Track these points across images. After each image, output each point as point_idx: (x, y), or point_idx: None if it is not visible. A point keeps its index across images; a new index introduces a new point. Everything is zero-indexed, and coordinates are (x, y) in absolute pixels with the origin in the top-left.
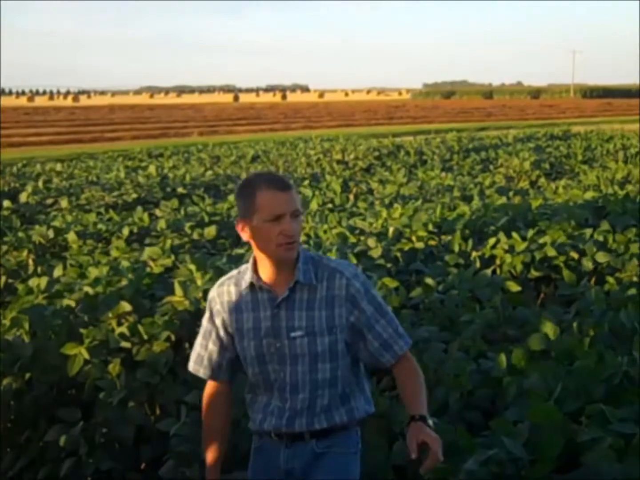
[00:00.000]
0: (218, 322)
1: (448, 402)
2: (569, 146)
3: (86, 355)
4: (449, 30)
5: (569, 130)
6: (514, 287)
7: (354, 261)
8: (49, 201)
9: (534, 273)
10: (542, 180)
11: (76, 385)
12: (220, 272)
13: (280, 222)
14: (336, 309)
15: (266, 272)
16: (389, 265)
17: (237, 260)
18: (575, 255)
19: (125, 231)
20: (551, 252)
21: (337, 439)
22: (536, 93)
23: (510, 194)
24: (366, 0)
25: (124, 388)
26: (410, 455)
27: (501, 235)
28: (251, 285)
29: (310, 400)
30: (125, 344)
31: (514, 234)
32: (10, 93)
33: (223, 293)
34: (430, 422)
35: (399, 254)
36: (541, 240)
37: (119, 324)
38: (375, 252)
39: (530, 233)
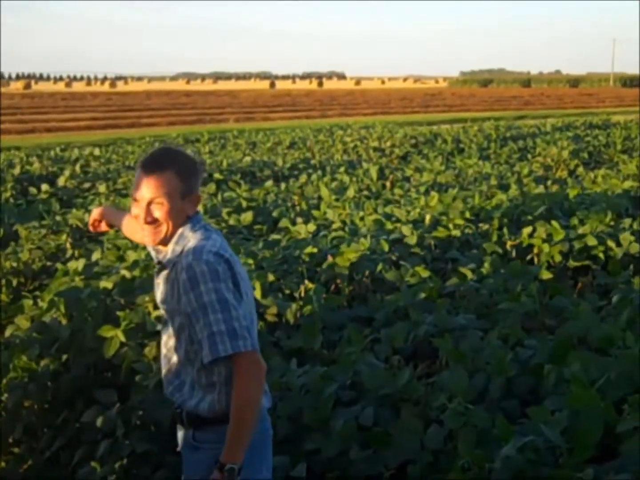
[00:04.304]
0: None
1: (487, 390)
2: (608, 135)
3: (122, 338)
4: (486, 18)
5: (609, 119)
6: (546, 275)
7: (386, 248)
8: (87, 185)
9: (573, 263)
10: (581, 169)
11: (113, 368)
12: (255, 257)
13: (137, 205)
14: (181, 293)
15: None
16: (423, 253)
17: (273, 246)
18: (613, 245)
19: None
20: (591, 242)
21: (211, 433)
22: (575, 82)
23: (548, 183)
24: None
25: (159, 371)
26: None
27: (538, 225)
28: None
29: (178, 373)
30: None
31: (554, 223)
32: (48, 78)
33: None
34: (236, 468)
35: (433, 242)
36: (580, 230)
37: (155, 308)
38: (411, 240)
39: (569, 222)
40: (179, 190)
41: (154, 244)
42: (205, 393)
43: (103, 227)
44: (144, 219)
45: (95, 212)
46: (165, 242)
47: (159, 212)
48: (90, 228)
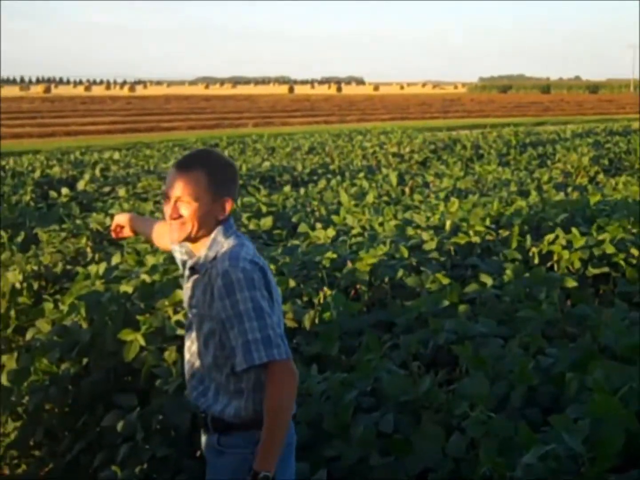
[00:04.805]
0: None
1: (508, 398)
2: (629, 142)
3: (142, 342)
4: (505, 24)
5: (629, 125)
6: (570, 283)
7: (406, 255)
8: (106, 189)
9: (592, 270)
10: (601, 176)
11: (133, 372)
12: (276, 263)
13: (167, 202)
14: (216, 298)
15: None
16: (442, 259)
17: (293, 251)
18: (635, 252)
19: None
20: (610, 249)
21: (237, 438)
22: (595, 88)
23: (569, 189)
24: None
25: (179, 376)
26: None
27: (559, 231)
28: (186, 252)
29: (205, 377)
30: (181, 332)
31: (574, 230)
32: (68, 82)
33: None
34: (270, 476)
35: (453, 248)
36: (600, 237)
37: (175, 312)
38: (430, 246)
39: (590, 229)
40: (208, 191)
41: (178, 240)
42: (231, 399)
43: (126, 232)
44: (170, 215)
45: (120, 218)
46: (190, 240)
47: (185, 211)
48: (112, 234)
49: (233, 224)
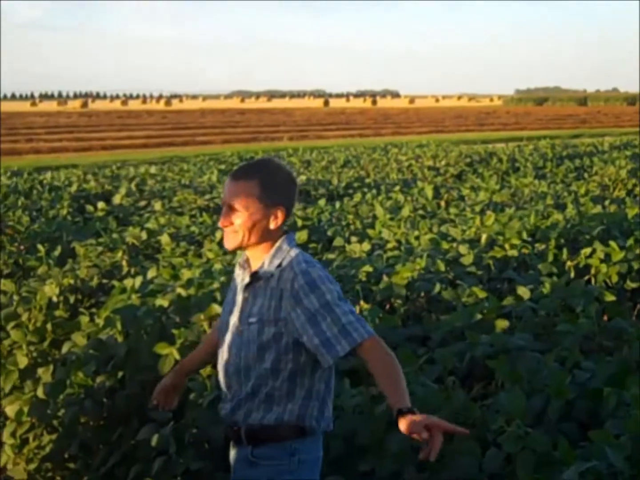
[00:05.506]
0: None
1: (544, 413)
2: None
3: (177, 356)
4: (542, 36)
5: None
6: (609, 297)
7: (442, 268)
8: (142, 203)
9: (630, 284)
10: (639, 189)
11: None
12: None
13: (223, 209)
14: (283, 301)
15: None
16: (480, 272)
17: (328, 265)
18: None
19: (218, 234)
20: None
21: (270, 449)
22: (633, 100)
23: (606, 202)
24: (456, 0)
25: (214, 389)
26: (422, 436)
27: (596, 245)
28: (240, 265)
29: (253, 388)
30: None
31: (612, 243)
32: (104, 97)
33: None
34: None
35: (491, 262)
36: (638, 251)
37: (211, 326)
38: (467, 260)
39: (628, 243)
40: (260, 200)
41: (231, 248)
42: (273, 405)
43: (175, 399)
44: (221, 222)
45: (163, 387)
46: (242, 248)
47: (237, 219)
48: (165, 408)
49: (294, 238)
